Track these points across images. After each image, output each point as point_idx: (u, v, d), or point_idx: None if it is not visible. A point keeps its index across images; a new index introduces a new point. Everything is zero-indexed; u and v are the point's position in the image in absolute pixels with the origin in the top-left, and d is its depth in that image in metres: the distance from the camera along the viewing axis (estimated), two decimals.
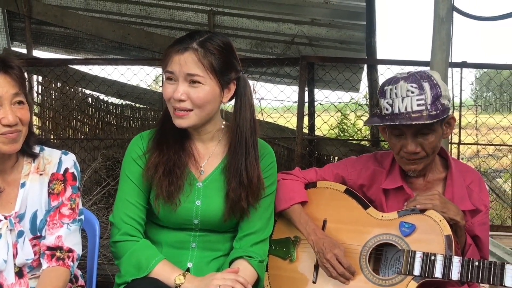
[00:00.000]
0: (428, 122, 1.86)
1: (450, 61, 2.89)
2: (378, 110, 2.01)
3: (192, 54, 1.80)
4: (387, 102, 1.93)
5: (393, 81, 1.94)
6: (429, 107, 1.88)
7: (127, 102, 6.47)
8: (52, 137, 5.98)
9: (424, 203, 1.90)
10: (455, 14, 2.97)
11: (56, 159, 1.87)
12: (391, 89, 1.93)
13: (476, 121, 5.32)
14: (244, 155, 1.89)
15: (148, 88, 6.65)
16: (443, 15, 2.74)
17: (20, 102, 1.72)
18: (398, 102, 1.90)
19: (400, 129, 1.94)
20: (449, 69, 4.45)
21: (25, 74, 1.80)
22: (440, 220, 1.85)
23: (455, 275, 1.79)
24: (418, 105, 1.87)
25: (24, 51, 6.49)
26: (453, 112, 4.64)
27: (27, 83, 1.78)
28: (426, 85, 1.89)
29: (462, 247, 1.94)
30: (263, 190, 1.93)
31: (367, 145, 5.74)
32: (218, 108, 1.91)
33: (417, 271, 1.84)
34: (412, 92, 1.88)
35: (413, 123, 1.86)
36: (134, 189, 1.91)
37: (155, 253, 1.87)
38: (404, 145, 1.94)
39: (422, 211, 1.89)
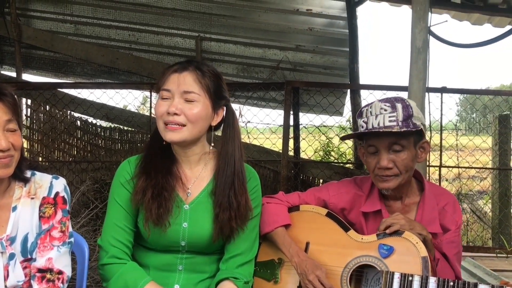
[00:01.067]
0: (395, 130, 1.96)
1: (427, 86, 3.01)
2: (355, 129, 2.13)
3: (191, 73, 1.90)
4: (363, 121, 2.06)
5: (370, 103, 2.08)
6: (400, 123, 1.99)
7: (116, 125, 6.51)
8: (40, 159, 5.97)
9: (391, 223, 1.98)
10: (435, 41, 3.10)
11: (47, 183, 1.91)
12: (366, 109, 2.06)
13: (457, 144, 5.44)
14: (232, 178, 1.96)
15: (137, 111, 6.69)
16: (419, 45, 2.85)
17: (13, 128, 1.77)
18: (372, 119, 2.02)
19: (374, 145, 2.04)
20: (430, 93, 4.61)
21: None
22: (417, 243, 1.92)
23: None
24: (390, 121, 1.99)
25: (13, 74, 6.51)
26: (430, 136, 4.78)
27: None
28: (398, 105, 2.01)
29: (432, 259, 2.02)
30: (251, 212, 1.99)
31: (351, 168, 5.82)
32: (207, 129, 1.97)
33: None
34: (385, 110, 2.00)
35: (381, 130, 1.97)
36: (122, 213, 1.95)
37: (142, 275, 1.90)
38: (378, 161, 2.03)
39: (400, 233, 1.96)
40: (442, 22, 3.86)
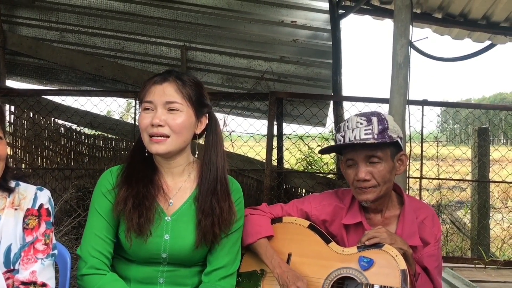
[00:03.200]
0: (370, 142, 2.03)
1: (408, 99, 3.06)
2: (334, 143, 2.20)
3: (172, 84, 1.91)
4: (341, 135, 2.12)
5: (347, 119, 2.14)
6: (375, 136, 2.05)
7: (99, 133, 6.48)
8: (23, 166, 5.91)
9: (373, 236, 2.01)
10: (417, 54, 3.16)
11: (31, 195, 1.90)
12: (344, 124, 2.13)
13: (437, 156, 5.51)
14: (214, 184, 1.97)
15: (121, 119, 6.68)
16: (400, 61, 2.90)
17: None
18: (349, 133, 2.08)
19: (352, 159, 2.09)
20: (412, 106, 4.67)
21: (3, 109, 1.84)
22: (396, 255, 1.95)
23: None
24: (366, 134, 2.05)
25: None
26: (411, 147, 4.85)
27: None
28: (374, 119, 2.08)
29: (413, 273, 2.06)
30: (235, 216, 2.00)
31: (334, 178, 5.85)
32: (191, 138, 1.98)
33: None
34: (361, 124, 2.07)
35: (356, 142, 2.04)
36: (103, 223, 1.94)
37: (122, 287, 1.90)
38: (356, 173, 2.08)
39: (380, 246, 1.99)
40: (423, 39, 3.93)
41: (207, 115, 2.02)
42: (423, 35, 5.04)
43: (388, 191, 2.14)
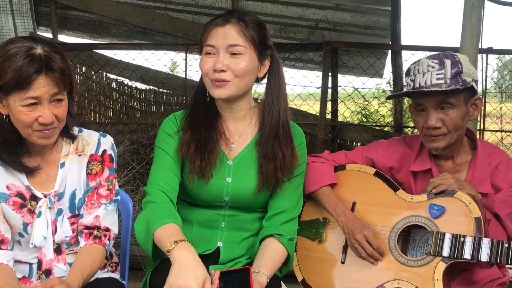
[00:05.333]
0: (442, 89, 1.89)
1: (480, 47, 2.87)
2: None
3: (235, 25, 1.86)
4: (410, 79, 2.00)
5: (418, 60, 2.01)
6: (448, 81, 1.91)
7: (151, 87, 6.54)
8: None
9: (439, 183, 1.92)
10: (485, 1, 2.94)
11: (95, 141, 1.92)
12: (414, 67, 2.00)
13: (501, 108, 5.27)
14: (276, 128, 1.93)
15: (172, 73, 6.69)
16: None
17: (59, 100, 1.72)
18: (419, 77, 1.95)
19: (422, 104, 1.98)
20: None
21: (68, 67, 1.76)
22: (470, 203, 1.86)
23: (484, 256, 1.80)
24: (438, 79, 1.92)
25: (49, 35, 6.54)
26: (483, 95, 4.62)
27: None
28: (447, 62, 1.93)
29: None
30: (298, 161, 1.96)
31: (391, 131, 5.74)
32: (253, 82, 1.94)
33: (446, 252, 1.85)
34: (433, 67, 1.93)
35: (426, 90, 1.91)
36: (170, 160, 1.92)
37: (165, 216, 1.78)
38: (426, 120, 1.98)
39: (452, 193, 1.90)
40: None
41: (269, 57, 1.95)
42: None
43: (460, 137, 2.03)
